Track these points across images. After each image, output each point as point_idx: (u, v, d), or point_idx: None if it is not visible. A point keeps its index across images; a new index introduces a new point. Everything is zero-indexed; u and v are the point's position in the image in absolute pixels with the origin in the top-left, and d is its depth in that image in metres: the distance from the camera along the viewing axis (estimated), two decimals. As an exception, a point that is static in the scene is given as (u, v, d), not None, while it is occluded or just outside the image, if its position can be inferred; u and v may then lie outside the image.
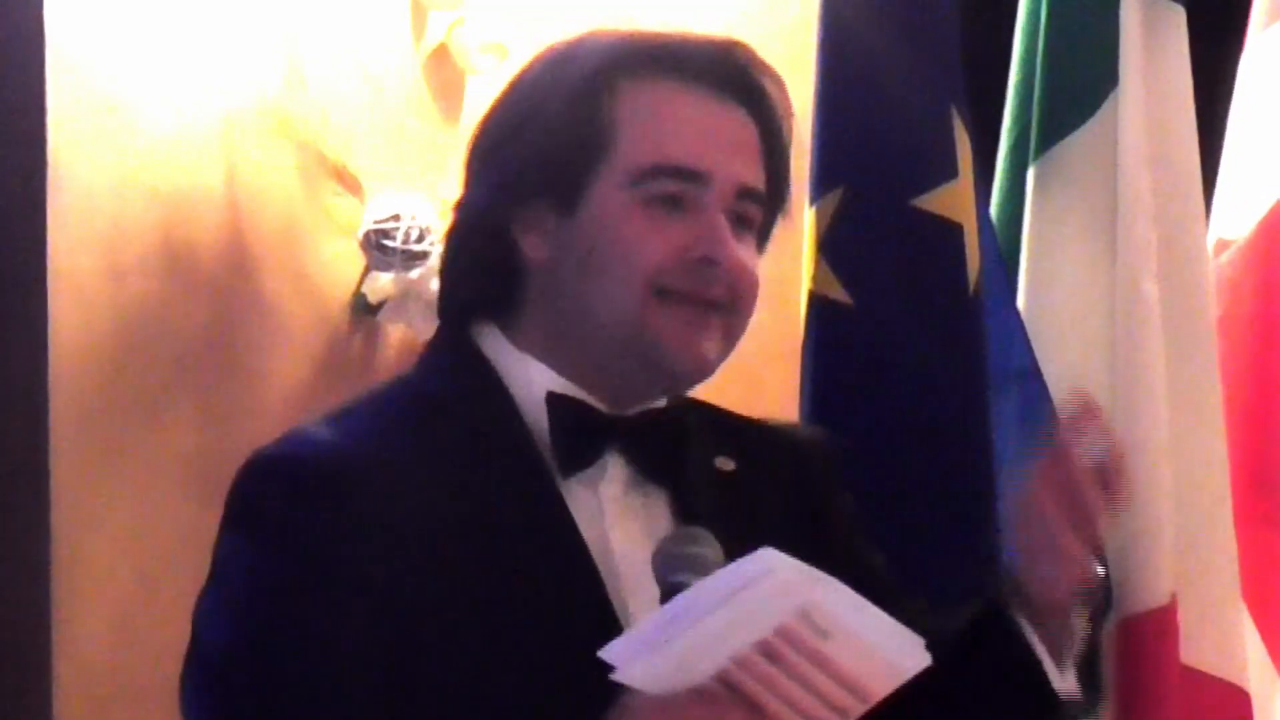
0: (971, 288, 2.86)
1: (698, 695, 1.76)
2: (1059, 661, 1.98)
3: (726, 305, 1.93)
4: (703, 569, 1.84)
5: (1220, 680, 3.07)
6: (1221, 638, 3.08)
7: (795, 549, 1.91)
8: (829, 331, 2.84)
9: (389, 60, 3.12)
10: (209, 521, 2.93)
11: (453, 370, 1.97)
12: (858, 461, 2.74)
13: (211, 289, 3.01)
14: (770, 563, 1.75)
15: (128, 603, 2.95)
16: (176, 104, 2.99)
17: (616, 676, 1.76)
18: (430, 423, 1.91)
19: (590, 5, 3.05)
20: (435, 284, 3.02)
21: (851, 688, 1.78)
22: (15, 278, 2.92)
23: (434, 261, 3.06)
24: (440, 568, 1.84)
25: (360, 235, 3.05)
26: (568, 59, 1.98)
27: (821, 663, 1.77)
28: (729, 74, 1.97)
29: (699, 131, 1.94)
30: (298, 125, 3.03)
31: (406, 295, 3.06)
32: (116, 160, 2.95)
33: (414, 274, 3.04)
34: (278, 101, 3.03)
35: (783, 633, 1.76)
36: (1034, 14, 3.08)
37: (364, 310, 3.08)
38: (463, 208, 2.01)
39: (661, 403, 1.99)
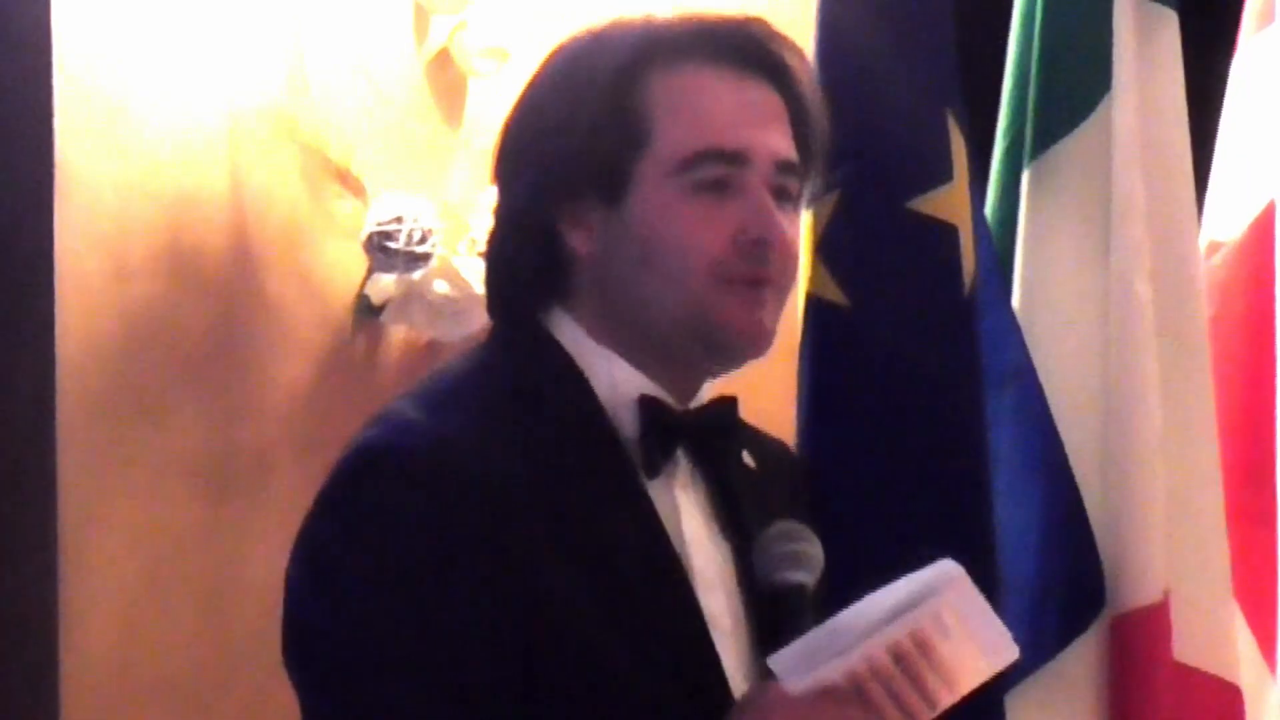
0: (967, 289, 2.86)
1: (827, 694, 1.81)
2: None
3: (776, 280, 1.97)
4: (810, 567, 1.90)
5: (1212, 676, 3.07)
6: (1214, 634, 3.08)
7: None
8: (826, 333, 2.83)
9: (392, 64, 3.14)
10: (214, 519, 3.00)
11: (535, 362, 1.97)
12: (855, 460, 2.78)
13: (216, 290, 3.02)
14: (950, 574, 1.82)
15: (134, 600, 2.97)
16: (182, 107, 3.00)
17: (781, 680, 1.81)
18: (525, 417, 1.92)
19: (591, 8, 3.07)
20: (437, 285, 3.08)
21: (948, 681, 1.83)
22: (23, 279, 2.93)
23: (436, 263, 3.07)
24: (541, 567, 1.85)
25: (363, 237, 3.06)
26: (594, 52, 1.99)
27: (936, 663, 1.82)
28: (751, 50, 1.99)
29: (733, 112, 1.96)
30: (301, 128, 3.05)
31: (409, 296, 3.08)
32: (122, 163, 2.97)
33: (416, 275, 3.06)
34: (281, 105, 3.05)
35: (915, 636, 1.81)
36: (1028, 18, 3.08)
37: (367, 311, 3.10)
38: (504, 208, 2.02)
39: (705, 397, 2.02)
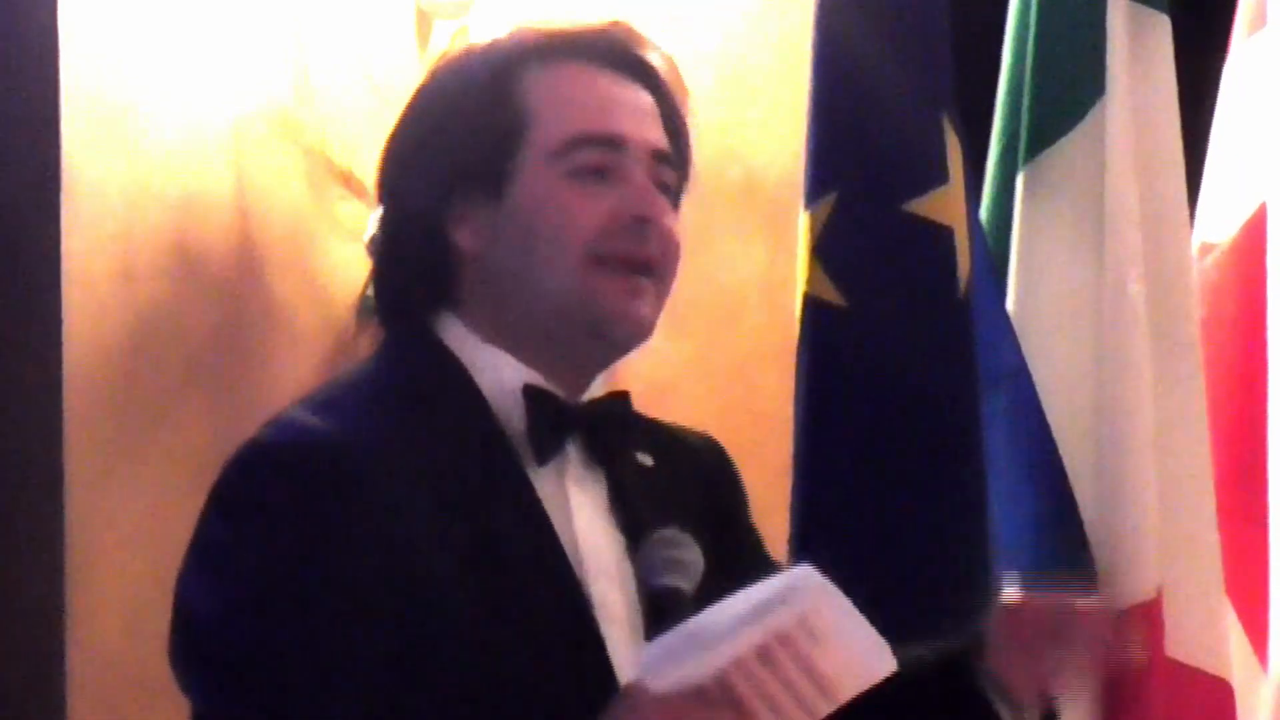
0: (962, 290, 2.88)
1: (696, 695, 1.80)
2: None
3: (657, 267, 1.99)
4: (688, 573, 1.91)
5: (1204, 673, 3.09)
6: (1206, 631, 3.11)
7: (704, 543, 1.98)
8: (823, 333, 2.86)
9: (394, 68, 3.15)
10: (219, 518, 3.01)
11: (420, 363, 2.00)
12: (851, 459, 2.81)
13: (221, 291, 3.04)
14: (805, 580, 1.82)
15: (140, 598, 2.97)
16: (187, 111, 3.02)
17: (636, 674, 1.82)
18: (410, 416, 1.94)
19: (590, 13, 3.09)
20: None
21: (825, 690, 1.82)
22: (30, 280, 2.95)
23: None
24: (427, 558, 1.87)
25: (366, 239, 3.05)
26: (470, 60, 2.04)
27: (807, 667, 1.81)
28: (619, 52, 2.03)
29: (608, 101, 2.00)
30: (305, 131, 3.07)
31: (411, 297, 3.11)
32: (128, 166, 2.99)
33: (418, 276, 3.09)
34: (286, 108, 3.07)
35: (782, 638, 1.80)
36: (1023, 23, 3.11)
37: (370, 312, 3.09)
38: (390, 215, 2.04)
39: (600, 391, 2.03)
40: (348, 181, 3.09)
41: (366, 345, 3.13)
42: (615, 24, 2.06)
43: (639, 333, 2.00)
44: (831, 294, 2.86)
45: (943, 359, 2.86)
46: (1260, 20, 3.34)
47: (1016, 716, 2.05)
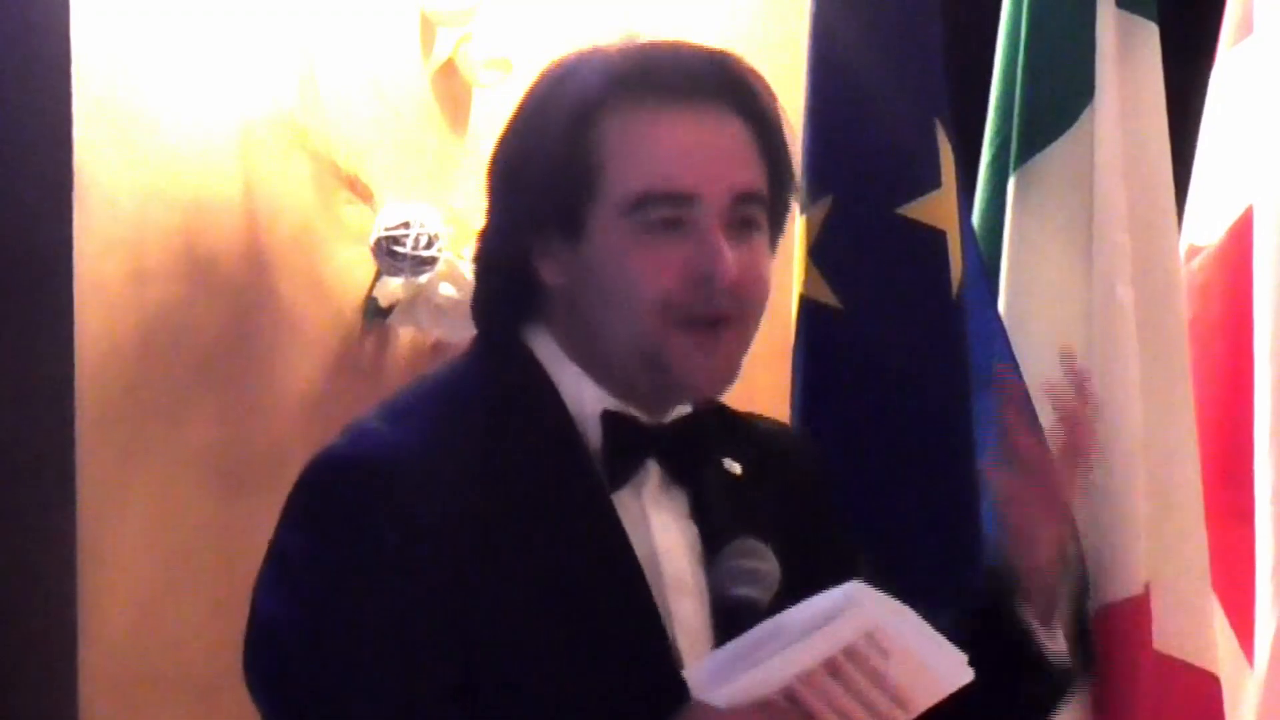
0: (955, 292, 2.91)
1: (762, 708, 1.82)
2: (1048, 626, 2.05)
3: (735, 316, 1.98)
4: (763, 583, 1.92)
5: (1192, 666, 3.13)
6: (1193, 626, 3.14)
7: (793, 546, 2.00)
8: (819, 334, 2.89)
9: (399, 74, 3.17)
10: (228, 514, 3.03)
11: (509, 375, 1.99)
12: (847, 458, 2.84)
13: (230, 293, 3.05)
14: (857, 596, 1.83)
15: (150, 593, 3.00)
16: (197, 116, 3.03)
17: (695, 694, 1.83)
18: (491, 429, 1.95)
19: (592, 21, 3.12)
20: (443, 288, 3.11)
21: (899, 701, 1.85)
22: (42, 282, 2.96)
23: (442, 266, 3.10)
24: (500, 572, 1.88)
25: (372, 242, 3.10)
26: (562, 83, 2.00)
27: (878, 680, 1.83)
28: (717, 82, 1.99)
29: (684, 152, 1.96)
30: (312, 136, 3.08)
31: (416, 299, 3.11)
32: (139, 170, 3.00)
33: (423, 278, 3.10)
34: (293, 114, 3.08)
35: (849, 653, 1.82)
36: (1014, 31, 3.13)
37: (375, 313, 3.13)
38: (484, 236, 2.05)
39: (689, 407, 2.04)
40: (353, 185, 3.10)
41: (372, 345, 3.18)
42: (721, 53, 2.02)
43: (714, 385, 2.00)
44: (827, 296, 2.88)
45: (935, 359, 2.89)
46: (1246, 28, 3.36)
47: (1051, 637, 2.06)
